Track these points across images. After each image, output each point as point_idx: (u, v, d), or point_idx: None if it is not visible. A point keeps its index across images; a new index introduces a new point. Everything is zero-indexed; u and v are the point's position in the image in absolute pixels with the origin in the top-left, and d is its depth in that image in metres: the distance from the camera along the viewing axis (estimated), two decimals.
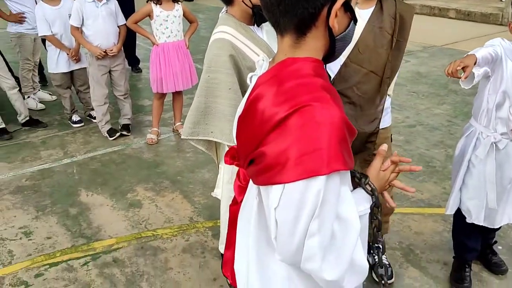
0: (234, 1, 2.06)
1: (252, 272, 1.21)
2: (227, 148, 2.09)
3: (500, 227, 2.47)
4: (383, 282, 1.33)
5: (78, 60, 4.54)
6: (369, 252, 2.02)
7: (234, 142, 1.29)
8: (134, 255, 2.82)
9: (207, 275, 2.64)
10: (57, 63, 4.48)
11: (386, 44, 1.90)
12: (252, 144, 1.10)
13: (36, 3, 4.61)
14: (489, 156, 2.24)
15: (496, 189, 2.27)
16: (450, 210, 2.46)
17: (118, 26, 4.25)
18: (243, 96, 1.92)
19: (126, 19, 4.23)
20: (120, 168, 3.92)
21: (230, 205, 1.50)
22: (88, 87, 4.62)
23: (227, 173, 2.24)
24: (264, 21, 2.08)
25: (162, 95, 4.37)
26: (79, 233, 3.06)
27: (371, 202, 1.19)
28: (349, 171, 1.10)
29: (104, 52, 4.13)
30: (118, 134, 4.44)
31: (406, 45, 1.98)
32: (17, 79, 5.48)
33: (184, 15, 4.17)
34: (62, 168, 3.94)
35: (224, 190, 2.30)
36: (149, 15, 4.07)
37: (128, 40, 4.97)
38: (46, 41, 4.53)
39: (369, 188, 1.20)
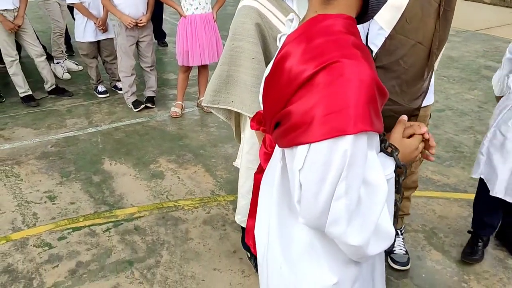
0: None
1: (272, 237, 1.19)
2: (248, 119, 2.06)
3: None
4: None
5: (105, 30, 4.54)
6: None
7: (253, 113, 1.25)
8: (155, 224, 2.84)
9: (227, 247, 2.64)
10: (84, 32, 4.50)
11: (433, 13, 1.80)
12: (278, 104, 1.06)
13: None
14: None
15: None
16: (474, 173, 2.45)
17: None
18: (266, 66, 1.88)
19: None
20: (144, 139, 3.93)
21: (255, 173, 1.48)
22: (115, 58, 4.63)
23: (247, 143, 2.21)
24: None
25: (188, 69, 4.34)
26: (102, 200, 3.10)
27: (394, 164, 1.14)
28: (377, 134, 1.06)
29: (134, 22, 4.11)
30: (142, 106, 4.45)
31: (453, 15, 1.88)
32: (44, 48, 5.54)
33: None
34: (86, 136, 3.98)
35: (243, 160, 2.27)
36: None
37: (155, 13, 4.95)
38: (74, 9, 4.54)
39: (390, 150, 1.14)
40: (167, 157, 3.64)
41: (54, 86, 4.74)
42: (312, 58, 0.98)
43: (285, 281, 1.18)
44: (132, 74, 4.39)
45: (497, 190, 2.31)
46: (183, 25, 4.11)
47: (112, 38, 4.68)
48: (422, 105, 2.03)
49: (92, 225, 2.85)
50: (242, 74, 2.00)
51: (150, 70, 4.48)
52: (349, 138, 0.94)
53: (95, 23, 4.44)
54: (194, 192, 3.18)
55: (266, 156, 1.35)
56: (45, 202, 3.08)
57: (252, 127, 1.41)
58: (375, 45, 1.93)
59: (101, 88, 4.82)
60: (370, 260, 1.19)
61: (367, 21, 1.14)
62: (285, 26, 1.27)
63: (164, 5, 4.68)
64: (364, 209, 1.01)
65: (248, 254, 2.51)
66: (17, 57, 4.42)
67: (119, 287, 2.38)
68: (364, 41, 1.99)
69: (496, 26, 7.72)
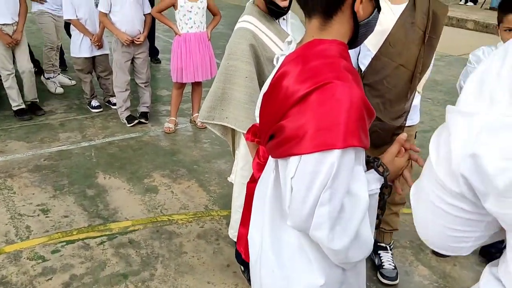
0: None
1: (265, 243, 1.27)
2: (242, 135, 2.15)
3: None
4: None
5: (100, 46, 4.61)
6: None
7: (246, 129, 1.35)
8: (150, 238, 2.87)
9: (221, 261, 2.68)
10: (80, 48, 4.56)
11: (417, 40, 1.93)
12: (274, 119, 1.16)
13: None
14: None
15: None
16: None
17: (144, 15, 4.31)
18: (260, 86, 1.98)
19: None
20: (137, 154, 3.98)
21: (248, 182, 1.57)
22: (109, 74, 4.69)
23: (242, 159, 2.29)
24: (279, 17, 2.12)
25: (182, 85, 4.42)
26: (96, 213, 3.12)
27: (382, 183, 1.24)
28: (364, 150, 1.16)
29: (130, 39, 4.19)
30: (136, 121, 4.50)
31: (438, 42, 2.01)
32: (38, 62, 5.58)
33: (208, 7, 4.21)
34: (80, 150, 4.01)
35: (237, 176, 2.34)
36: (174, 5, 4.11)
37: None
38: (70, 25, 4.60)
39: (381, 170, 1.24)
40: (161, 171, 3.69)
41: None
42: (308, 79, 1.09)
43: (277, 284, 1.26)
44: (126, 90, 4.45)
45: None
46: (178, 43, 4.20)
47: (107, 54, 4.74)
48: (407, 125, 2.15)
49: (86, 238, 2.87)
50: (236, 92, 2.10)
51: (145, 86, 4.55)
52: (336, 152, 1.03)
53: (90, 39, 4.51)
54: (188, 206, 3.23)
55: (259, 166, 1.44)
56: (38, 215, 3.09)
57: (247, 139, 1.51)
58: (363, 64, 2.09)
59: (94, 102, 4.85)
60: (353, 268, 1.27)
61: (357, 47, 1.26)
62: (283, 47, 1.38)
63: (157, 22, 4.77)
64: (346, 217, 1.10)
65: (242, 268, 2.55)
66: (13, 70, 4.45)
67: None
68: (356, 61, 2.13)
69: None
